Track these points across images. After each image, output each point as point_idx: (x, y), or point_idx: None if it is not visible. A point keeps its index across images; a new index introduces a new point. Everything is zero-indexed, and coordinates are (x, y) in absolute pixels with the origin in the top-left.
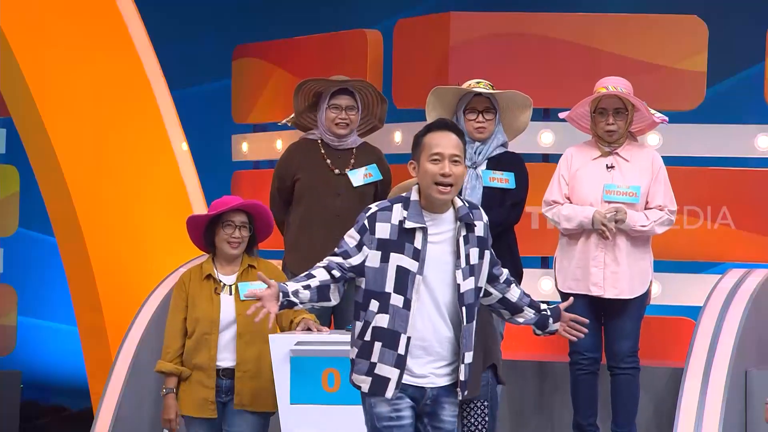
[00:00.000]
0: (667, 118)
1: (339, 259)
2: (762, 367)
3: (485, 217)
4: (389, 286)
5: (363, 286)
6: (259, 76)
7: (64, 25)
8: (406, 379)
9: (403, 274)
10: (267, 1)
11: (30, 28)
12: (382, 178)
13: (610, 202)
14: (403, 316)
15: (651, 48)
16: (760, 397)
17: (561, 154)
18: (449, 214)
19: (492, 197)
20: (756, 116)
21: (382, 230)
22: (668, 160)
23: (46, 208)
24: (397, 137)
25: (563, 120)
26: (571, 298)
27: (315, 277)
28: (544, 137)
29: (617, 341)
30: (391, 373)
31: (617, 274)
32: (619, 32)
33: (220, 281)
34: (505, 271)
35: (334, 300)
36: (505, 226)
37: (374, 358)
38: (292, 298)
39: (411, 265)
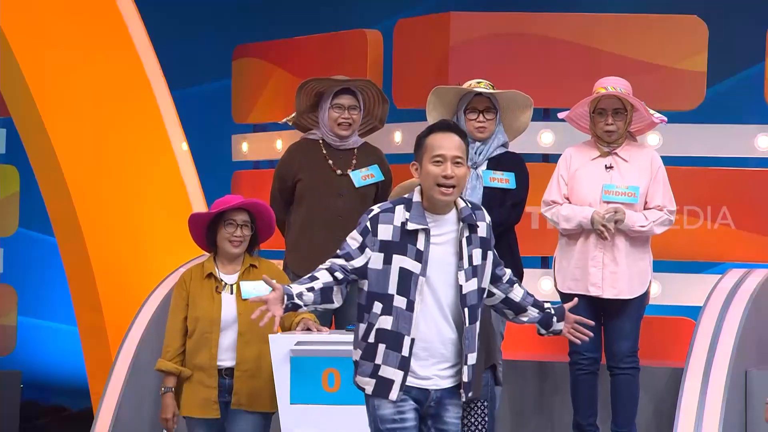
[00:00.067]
0: (666, 119)
1: (341, 261)
2: (762, 367)
3: (488, 218)
4: (392, 288)
5: (366, 288)
6: (259, 76)
7: (64, 25)
8: (410, 381)
9: (406, 275)
10: (267, 1)
11: (30, 28)
12: (383, 178)
13: (608, 203)
14: (406, 318)
15: (651, 48)
16: (760, 397)
17: (561, 154)
18: (452, 215)
19: (492, 197)
20: (756, 116)
21: (385, 232)
22: (668, 160)
23: (46, 208)
24: (397, 137)
25: (563, 120)
26: (576, 299)
27: (318, 279)
28: (544, 137)
29: (617, 341)
30: (394, 375)
31: (616, 275)
32: (619, 32)
33: (222, 280)
34: (508, 271)
35: (337, 302)
36: (506, 227)
37: (378, 360)
38: (297, 301)
39: (414, 266)
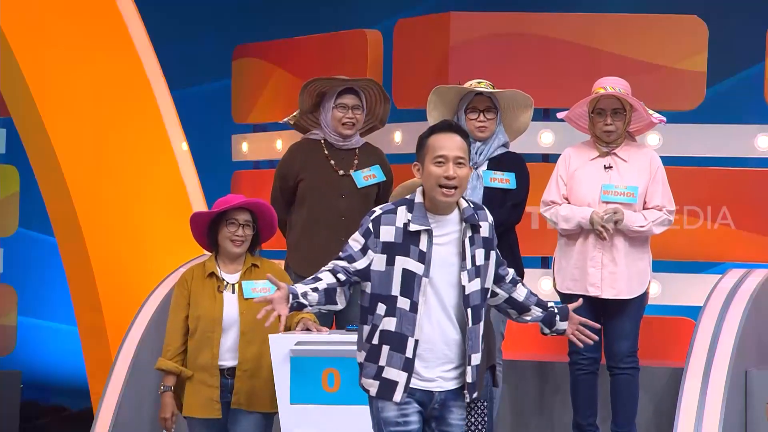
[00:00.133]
0: (665, 119)
1: (344, 263)
2: (762, 367)
3: (490, 218)
4: (395, 290)
5: (369, 290)
6: (259, 76)
7: (64, 25)
8: (414, 383)
9: (409, 277)
10: (267, 1)
11: (30, 28)
12: (385, 179)
13: (607, 203)
14: (410, 319)
15: (651, 48)
16: (760, 397)
17: (561, 155)
18: (454, 215)
19: (493, 198)
20: (756, 116)
21: (387, 233)
22: (668, 160)
23: (46, 208)
24: (397, 137)
25: (563, 120)
26: (580, 300)
27: (321, 280)
28: (544, 137)
29: (616, 341)
30: (398, 376)
31: (615, 275)
32: (619, 32)
33: (223, 280)
34: (511, 271)
35: (341, 304)
36: (506, 227)
37: (382, 362)
38: (302, 300)
39: (417, 267)
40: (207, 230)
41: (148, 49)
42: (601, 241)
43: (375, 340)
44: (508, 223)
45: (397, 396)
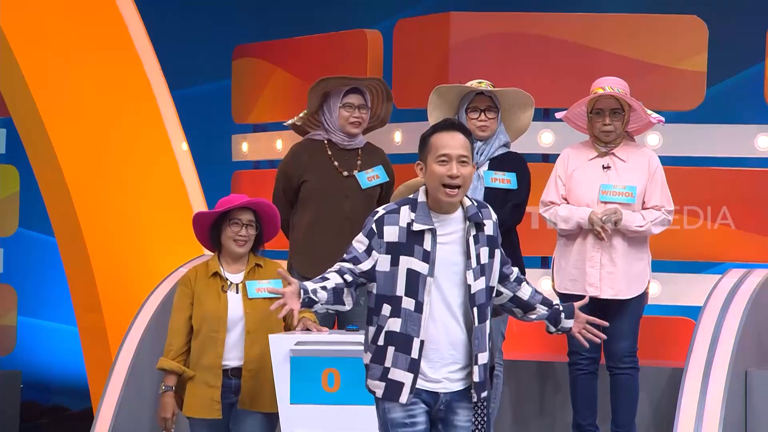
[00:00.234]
0: (663, 119)
1: (349, 265)
2: (762, 367)
3: (494, 216)
4: (400, 290)
5: (374, 291)
6: (259, 76)
7: (64, 25)
8: (420, 384)
9: (413, 276)
10: (267, 1)
11: (30, 28)
12: (388, 179)
13: (606, 203)
14: (415, 320)
15: (651, 48)
16: (760, 397)
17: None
18: (458, 214)
19: (494, 198)
20: (756, 116)
21: (391, 233)
22: (668, 160)
23: (46, 208)
24: (397, 137)
25: (563, 120)
26: (587, 298)
27: (329, 279)
28: (544, 137)
29: (616, 341)
30: (404, 377)
31: (613, 275)
32: (619, 32)
33: (227, 279)
34: (516, 269)
35: (348, 305)
36: (507, 227)
37: (388, 363)
38: (312, 296)
39: (421, 267)
40: (210, 230)
41: (148, 49)
42: (599, 242)
43: (380, 342)
44: (509, 224)
45: (404, 397)
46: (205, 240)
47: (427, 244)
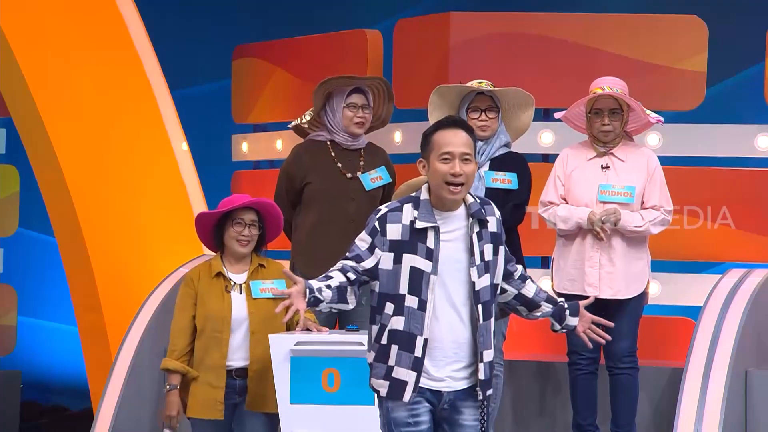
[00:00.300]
0: (662, 119)
1: (352, 263)
2: (762, 367)
3: (497, 213)
4: (403, 288)
5: (377, 289)
6: (259, 76)
7: (64, 25)
8: (424, 383)
9: (417, 275)
10: (267, 1)
11: (30, 28)
12: (391, 180)
13: (605, 203)
14: (418, 318)
15: (651, 48)
16: (760, 397)
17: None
18: (461, 211)
19: (495, 198)
20: (756, 116)
21: (393, 231)
22: (668, 160)
23: (46, 208)
24: (397, 137)
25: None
26: (593, 296)
27: (333, 278)
28: (544, 137)
29: (615, 341)
30: (408, 376)
31: (612, 275)
32: (619, 32)
33: (230, 279)
34: (520, 267)
35: (351, 303)
36: (508, 227)
37: (391, 362)
38: (318, 295)
39: (425, 265)
40: (212, 230)
41: (148, 49)
42: (598, 242)
43: (384, 340)
44: (510, 224)
45: (407, 396)
46: (207, 240)
47: (431, 242)
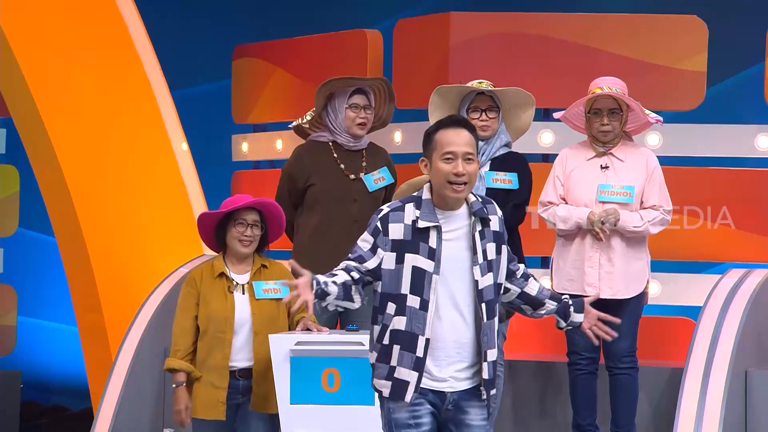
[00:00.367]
0: (661, 119)
1: (355, 264)
2: (762, 367)
3: (499, 212)
4: (405, 288)
5: (379, 289)
6: (259, 76)
7: (64, 25)
8: (426, 383)
9: (419, 274)
10: (267, 1)
11: (30, 28)
12: (393, 181)
13: (604, 203)
14: (420, 318)
15: (651, 48)
16: (760, 397)
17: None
18: (462, 210)
19: (495, 199)
20: (756, 116)
21: (396, 231)
22: (668, 160)
23: (46, 208)
24: (397, 137)
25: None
26: (598, 292)
27: (338, 275)
28: (544, 137)
29: (615, 341)
30: (409, 376)
31: (612, 274)
32: (619, 32)
33: (233, 280)
34: (522, 266)
35: (356, 302)
36: (509, 227)
37: (393, 362)
38: (324, 288)
39: (427, 265)
40: (215, 230)
41: (148, 49)
42: (598, 242)
43: (386, 340)
44: (511, 224)
45: (408, 396)
46: (210, 240)
47: (433, 242)
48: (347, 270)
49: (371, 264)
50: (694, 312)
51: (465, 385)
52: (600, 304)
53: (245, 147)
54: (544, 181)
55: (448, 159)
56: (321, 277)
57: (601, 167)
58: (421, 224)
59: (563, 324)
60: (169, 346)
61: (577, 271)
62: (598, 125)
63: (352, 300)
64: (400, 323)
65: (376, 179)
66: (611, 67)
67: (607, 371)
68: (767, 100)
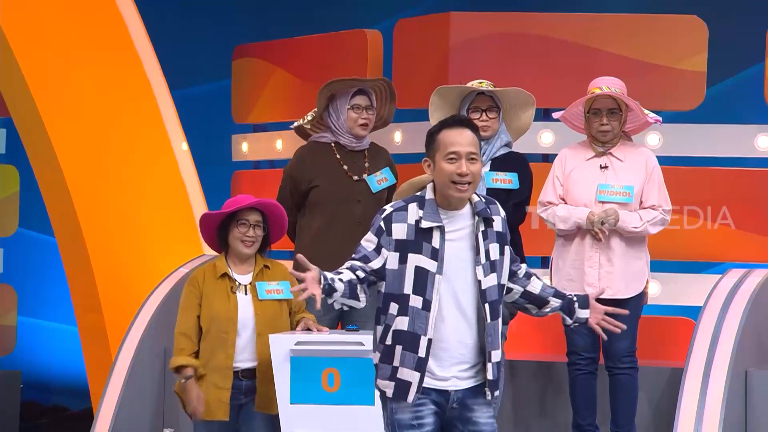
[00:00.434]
0: (660, 119)
1: (360, 263)
2: (762, 367)
3: (503, 212)
4: (408, 288)
5: (383, 289)
6: (259, 76)
7: (64, 25)
8: (428, 383)
9: (422, 274)
10: (267, 1)
11: (30, 28)
12: (395, 181)
13: (603, 202)
14: (423, 318)
15: (651, 48)
16: (760, 397)
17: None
18: (466, 210)
19: (496, 199)
20: (756, 116)
21: (399, 231)
22: (668, 160)
23: (46, 208)
24: (397, 137)
25: None
26: (604, 289)
27: (343, 273)
28: (544, 137)
29: (614, 341)
30: (411, 376)
31: (612, 274)
32: (619, 32)
33: (236, 280)
34: (524, 266)
35: (362, 301)
36: (509, 227)
37: (396, 362)
38: (332, 283)
39: (430, 265)
40: (216, 231)
41: (148, 49)
42: (597, 242)
43: (388, 341)
44: (511, 223)
45: (410, 396)
46: (212, 241)
47: (436, 242)
48: (352, 269)
49: (376, 264)
50: (694, 312)
51: (468, 383)
52: (599, 303)
53: (245, 147)
54: (544, 181)
55: (452, 159)
56: (328, 274)
57: (601, 167)
58: (425, 224)
59: (569, 321)
60: (169, 346)
61: (577, 271)
62: (597, 125)
63: (357, 299)
64: (402, 323)
65: (379, 180)
66: (611, 67)
67: (606, 371)
68: (767, 100)
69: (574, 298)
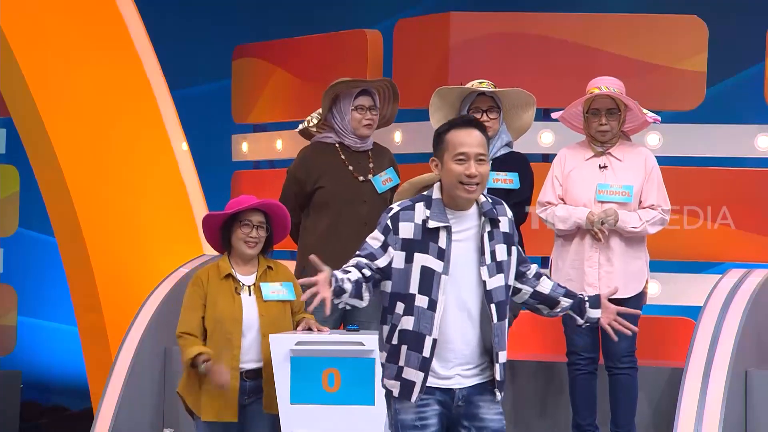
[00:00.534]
0: (659, 118)
1: (366, 261)
2: (762, 367)
3: (509, 213)
4: (414, 288)
5: (388, 289)
6: (259, 76)
7: (64, 25)
8: (432, 382)
9: (428, 274)
10: (267, 1)
11: (30, 28)
12: (399, 181)
13: (603, 202)
14: (428, 318)
15: (651, 48)
16: (760, 397)
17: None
18: (473, 210)
19: None
20: (756, 116)
21: (406, 230)
22: (668, 160)
23: (46, 208)
24: (397, 137)
25: None
26: (616, 287)
27: (350, 272)
28: (544, 137)
29: (614, 341)
30: (416, 376)
31: (611, 274)
32: (619, 32)
33: (240, 281)
34: (534, 266)
35: (365, 300)
36: None
37: (401, 362)
38: (341, 285)
39: (436, 265)
40: (219, 231)
41: (148, 49)
42: (597, 242)
43: (394, 341)
44: None
45: (414, 396)
46: (215, 241)
47: (442, 242)
48: (359, 267)
49: (382, 262)
50: (694, 312)
51: (472, 381)
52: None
53: (245, 147)
54: (543, 181)
55: (461, 160)
56: (338, 273)
57: (600, 167)
58: (432, 224)
59: (580, 321)
60: (169, 346)
61: (577, 271)
62: (596, 125)
63: (361, 298)
64: (408, 323)
65: (384, 180)
66: (611, 67)
67: (606, 371)
68: (767, 100)
69: (586, 298)
